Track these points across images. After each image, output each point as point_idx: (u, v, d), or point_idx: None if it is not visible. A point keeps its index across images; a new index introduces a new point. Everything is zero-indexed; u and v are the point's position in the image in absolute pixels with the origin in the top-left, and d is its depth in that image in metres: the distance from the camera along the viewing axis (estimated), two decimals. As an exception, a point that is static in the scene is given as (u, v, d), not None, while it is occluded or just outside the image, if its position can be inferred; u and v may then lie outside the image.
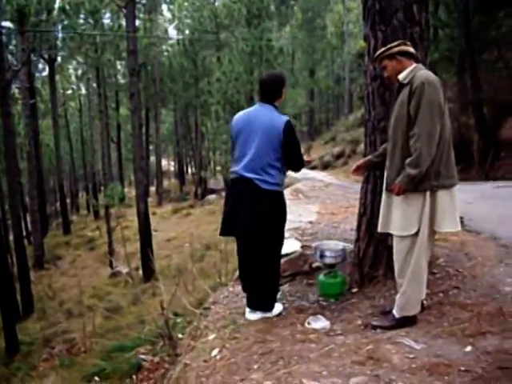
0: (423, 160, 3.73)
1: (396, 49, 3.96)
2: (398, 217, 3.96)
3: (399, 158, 3.93)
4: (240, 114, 4.65)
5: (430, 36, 5.09)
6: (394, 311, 4.08)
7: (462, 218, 7.51)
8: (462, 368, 3.14)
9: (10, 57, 31.17)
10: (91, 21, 29.47)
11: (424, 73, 3.86)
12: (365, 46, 5.00)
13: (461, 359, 3.26)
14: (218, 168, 35.72)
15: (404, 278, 3.99)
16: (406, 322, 4.01)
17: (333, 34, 42.33)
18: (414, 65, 3.98)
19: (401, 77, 3.96)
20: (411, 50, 4.01)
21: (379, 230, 4.22)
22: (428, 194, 3.87)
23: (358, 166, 4.64)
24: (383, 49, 4.02)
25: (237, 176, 4.54)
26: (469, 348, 3.43)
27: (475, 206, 9.15)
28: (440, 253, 5.39)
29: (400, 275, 4.04)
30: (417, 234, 3.89)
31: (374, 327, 4.09)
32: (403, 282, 4.00)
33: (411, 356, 3.37)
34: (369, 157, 4.67)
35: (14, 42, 30.16)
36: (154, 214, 28.02)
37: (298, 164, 4.64)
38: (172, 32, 46.12)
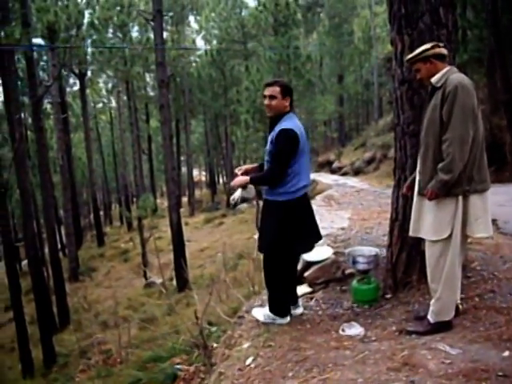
0: (456, 165, 3.70)
1: (431, 51, 3.91)
2: (430, 221, 3.93)
3: (431, 162, 3.90)
4: (296, 124, 4.57)
5: (457, 38, 5.06)
6: (429, 316, 4.05)
7: (495, 220, 7.48)
8: (500, 373, 3.10)
9: (41, 73, 31.76)
10: (120, 34, 29.89)
11: (457, 76, 3.83)
12: (392, 50, 4.98)
13: (498, 364, 3.22)
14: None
15: (438, 283, 3.96)
16: (441, 327, 3.97)
17: (360, 39, 42.14)
18: (448, 67, 3.94)
19: (434, 80, 3.92)
20: (445, 51, 3.97)
21: (410, 233, 4.19)
22: (460, 198, 3.84)
23: (408, 186, 4.55)
24: (417, 51, 3.97)
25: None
26: (506, 353, 3.38)
27: (509, 208, 9.03)
28: (474, 256, 5.33)
29: (433, 280, 4.01)
30: (449, 238, 3.85)
31: (409, 333, 4.06)
32: (437, 287, 3.96)
33: (447, 361, 3.33)
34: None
35: (44, 57, 30.67)
36: (186, 224, 28.13)
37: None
38: (200, 43, 46.50)
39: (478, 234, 4.00)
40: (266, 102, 4.54)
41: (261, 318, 4.81)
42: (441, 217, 3.86)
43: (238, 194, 4.62)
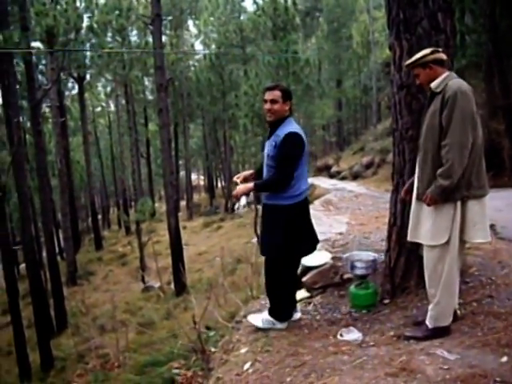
0: (455, 171, 3.70)
1: (430, 57, 3.92)
2: (428, 226, 3.93)
3: (430, 167, 3.90)
4: (300, 129, 4.63)
5: (456, 43, 5.07)
6: (427, 322, 4.05)
7: (493, 225, 7.48)
8: (498, 379, 3.10)
9: (40, 76, 31.78)
10: (119, 38, 29.88)
11: (457, 82, 3.83)
12: (391, 55, 4.99)
13: (496, 370, 3.22)
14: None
15: (436, 289, 3.96)
16: (440, 332, 3.97)
17: (358, 44, 42.18)
18: (447, 73, 3.95)
19: (433, 85, 3.92)
20: (444, 57, 3.98)
21: (408, 238, 4.20)
22: (459, 203, 3.85)
23: (406, 190, 4.55)
24: (417, 56, 3.97)
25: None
26: (505, 358, 3.38)
27: (507, 213, 9.03)
28: (472, 261, 5.33)
29: (431, 285, 4.01)
30: (447, 243, 3.86)
31: (407, 338, 4.06)
32: (435, 292, 3.97)
33: (445, 367, 3.33)
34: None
35: (43, 61, 30.68)
36: (184, 228, 28.11)
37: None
38: (198, 47, 46.50)
39: (476, 239, 4.01)
40: (267, 106, 4.53)
41: (259, 324, 4.79)
42: (439, 222, 3.86)
43: (242, 201, 4.65)
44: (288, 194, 4.50)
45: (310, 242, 4.79)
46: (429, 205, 3.86)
